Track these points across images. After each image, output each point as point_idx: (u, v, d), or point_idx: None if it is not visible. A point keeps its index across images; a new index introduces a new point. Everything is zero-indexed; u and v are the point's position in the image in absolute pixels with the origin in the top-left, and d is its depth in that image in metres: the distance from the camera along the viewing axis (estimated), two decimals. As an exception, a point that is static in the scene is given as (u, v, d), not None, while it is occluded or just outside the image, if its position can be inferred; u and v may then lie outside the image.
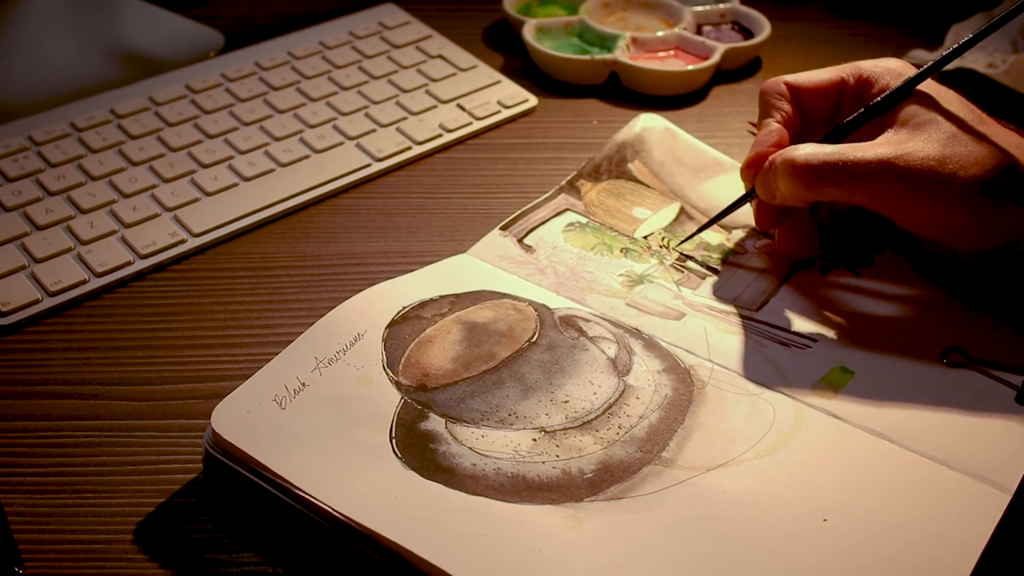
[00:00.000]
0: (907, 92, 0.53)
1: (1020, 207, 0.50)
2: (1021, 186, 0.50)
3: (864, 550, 0.42)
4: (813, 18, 0.85)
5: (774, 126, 0.56)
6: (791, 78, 0.57)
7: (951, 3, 0.80)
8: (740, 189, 0.58)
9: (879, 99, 0.53)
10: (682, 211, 0.61)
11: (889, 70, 0.55)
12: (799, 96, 0.56)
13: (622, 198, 0.62)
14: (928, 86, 0.53)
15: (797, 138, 0.56)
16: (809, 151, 0.52)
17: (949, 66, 0.73)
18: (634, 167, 0.64)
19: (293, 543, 0.44)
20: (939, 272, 0.56)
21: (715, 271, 0.57)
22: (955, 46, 0.53)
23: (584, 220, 0.60)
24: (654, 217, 0.61)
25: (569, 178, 0.63)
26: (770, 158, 0.53)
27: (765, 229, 0.58)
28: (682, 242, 0.58)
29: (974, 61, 0.73)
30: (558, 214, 0.61)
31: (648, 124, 0.67)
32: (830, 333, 0.53)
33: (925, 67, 0.53)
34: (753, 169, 0.55)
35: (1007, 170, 0.50)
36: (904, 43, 0.79)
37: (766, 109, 0.57)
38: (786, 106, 0.56)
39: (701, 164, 0.64)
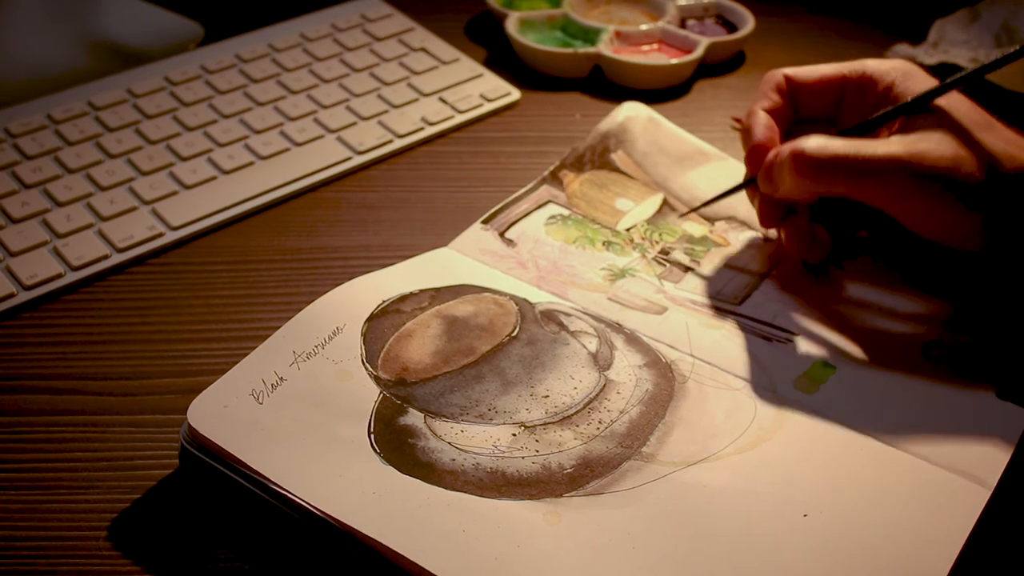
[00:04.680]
0: (945, 90, 0.50)
1: None
2: None
3: (844, 546, 0.42)
4: (797, 12, 0.85)
5: (762, 116, 0.54)
6: (791, 71, 0.55)
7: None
8: (723, 178, 0.57)
9: (914, 98, 0.50)
10: (665, 202, 0.61)
11: (895, 67, 0.53)
12: (796, 90, 0.55)
13: (605, 189, 0.61)
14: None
15: (786, 132, 0.55)
16: (820, 143, 0.50)
17: (931, 61, 0.73)
18: (617, 157, 0.64)
19: (270, 539, 0.43)
20: (927, 267, 0.56)
21: (698, 264, 0.57)
22: (1013, 50, 0.49)
23: (566, 212, 0.60)
24: (637, 208, 0.60)
25: (552, 168, 0.63)
26: (775, 150, 0.51)
27: (768, 227, 0.57)
28: (685, 213, 0.59)
29: (958, 56, 0.73)
30: (540, 206, 0.60)
31: (631, 113, 0.66)
32: (812, 327, 0.53)
33: (971, 70, 0.50)
34: (754, 157, 0.53)
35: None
36: (887, 38, 0.79)
37: (757, 98, 0.55)
38: (775, 96, 0.55)
39: (685, 154, 0.64)
